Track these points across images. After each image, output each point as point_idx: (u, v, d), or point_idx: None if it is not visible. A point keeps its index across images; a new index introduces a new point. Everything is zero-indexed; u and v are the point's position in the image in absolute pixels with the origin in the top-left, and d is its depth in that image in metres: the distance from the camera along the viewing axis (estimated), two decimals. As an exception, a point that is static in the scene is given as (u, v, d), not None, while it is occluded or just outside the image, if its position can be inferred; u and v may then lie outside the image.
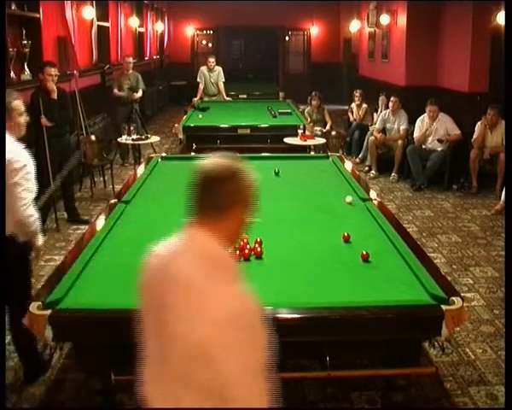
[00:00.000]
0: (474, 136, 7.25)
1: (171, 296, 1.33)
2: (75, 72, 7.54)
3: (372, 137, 8.27)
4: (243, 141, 6.76)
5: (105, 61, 9.65)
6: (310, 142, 6.87)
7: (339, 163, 4.90)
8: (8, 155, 2.89)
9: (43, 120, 5.39)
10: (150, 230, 3.30)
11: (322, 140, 7.39)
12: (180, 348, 1.32)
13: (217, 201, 1.36)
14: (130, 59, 8.85)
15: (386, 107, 8.49)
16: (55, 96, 5.50)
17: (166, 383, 1.37)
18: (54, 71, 5.53)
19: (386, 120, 8.30)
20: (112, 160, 7.67)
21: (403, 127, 8.09)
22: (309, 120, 7.77)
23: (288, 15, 16.14)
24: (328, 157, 5.24)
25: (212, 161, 1.41)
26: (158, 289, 1.38)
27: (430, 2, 9.27)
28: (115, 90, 8.55)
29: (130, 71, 8.68)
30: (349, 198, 3.78)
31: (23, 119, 3.15)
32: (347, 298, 2.42)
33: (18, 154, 2.97)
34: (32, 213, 3.04)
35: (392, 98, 8.26)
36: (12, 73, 5.85)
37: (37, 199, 5.52)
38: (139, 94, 8.58)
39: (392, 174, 7.93)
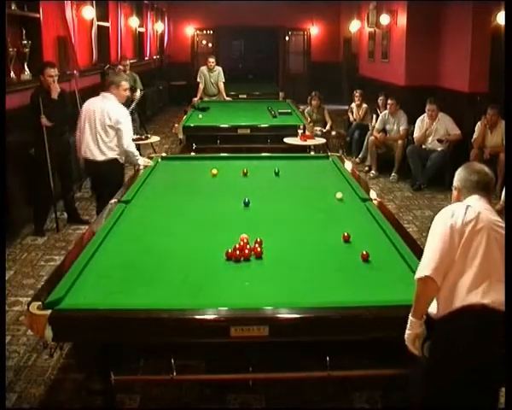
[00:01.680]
0: (474, 136, 7.25)
1: (493, 233, 2.25)
2: (75, 72, 7.54)
3: (372, 137, 8.26)
4: (243, 141, 6.76)
5: (105, 61, 9.65)
6: (310, 142, 6.86)
7: (339, 163, 4.90)
8: (123, 113, 4.84)
9: (44, 120, 5.38)
10: (150, 229, 3.32)
11: (322, 140, 7.38)
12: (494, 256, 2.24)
13: (491, 187, 2.42)
14: (127, 61, 8.91)
15: (386, 107, 8.48)
16: (56, 96, 5.49)
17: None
18: (54, 71, 5.51)
19: (386, 120, 8.28)
20: (112, 160, 7.66)
21: (402, 128, 8.08)
22: (309, 120, 7.76)
23: (288, 15, 16.13)
24: (328, 157, 5.24)
25: (487, 169, 2.46)
26: (481, 231, 2.26)
27: (430, 2, 9.25)
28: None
29: (128, 72, 8.71)
30: (339, 194, 3.85)
31: (126, 93, 4.97)
32: (347, 298, 2.43)
33: (126, 112, 4.94)
34: (134, 147, 4.91)
35: (389, 101, 8.23)
36: (12, 73, 5.84)
37: (37, 198, 5.61)
38: (138, 94, 8.59)
39: (392, 174, 7.93)
